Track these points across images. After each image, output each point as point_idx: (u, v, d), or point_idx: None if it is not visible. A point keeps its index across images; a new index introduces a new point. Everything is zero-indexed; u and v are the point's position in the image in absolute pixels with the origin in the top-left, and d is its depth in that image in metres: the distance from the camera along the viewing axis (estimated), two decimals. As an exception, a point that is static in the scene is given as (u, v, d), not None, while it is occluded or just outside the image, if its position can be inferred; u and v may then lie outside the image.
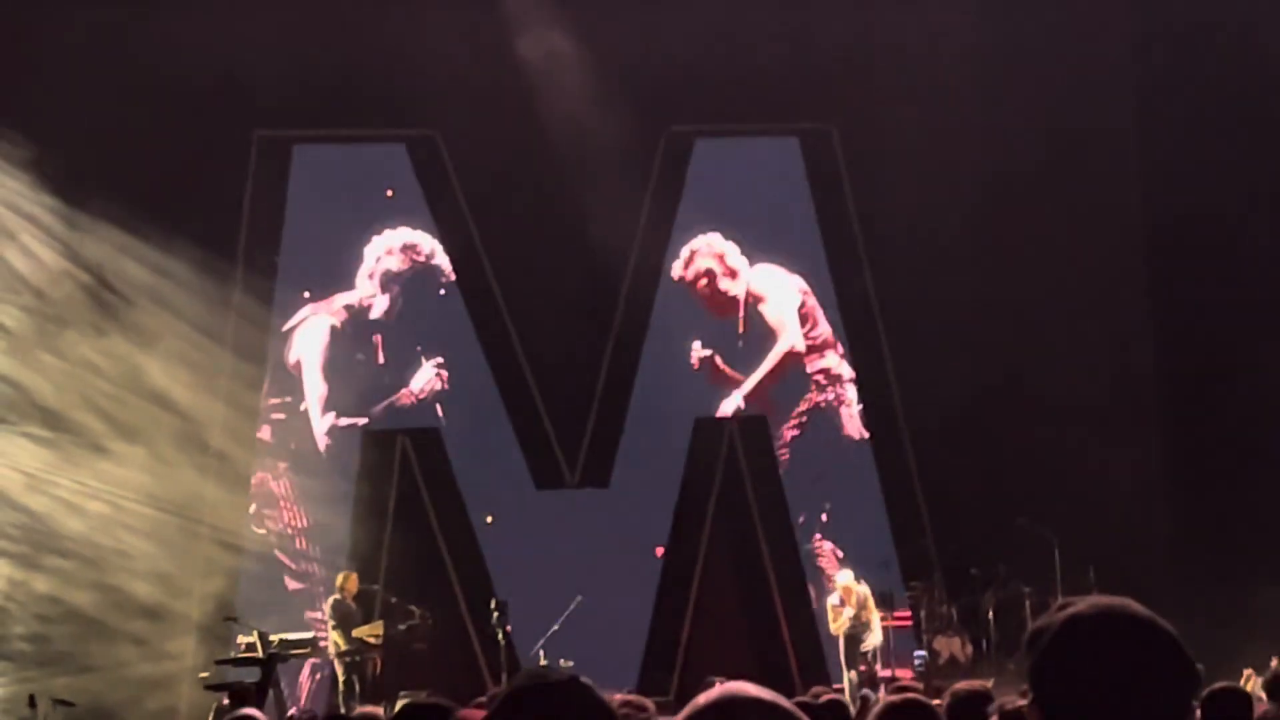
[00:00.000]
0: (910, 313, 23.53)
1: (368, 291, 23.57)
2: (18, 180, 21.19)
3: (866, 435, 24.43)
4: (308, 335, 23.36)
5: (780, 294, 24.57)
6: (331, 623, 20.68)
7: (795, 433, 24.41)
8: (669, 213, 24.09)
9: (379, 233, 23.63)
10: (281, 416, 23.11)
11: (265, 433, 23.02)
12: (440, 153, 23.54)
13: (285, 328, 23.21)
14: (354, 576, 21.08)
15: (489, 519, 23.00)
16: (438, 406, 23.51)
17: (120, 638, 20.85)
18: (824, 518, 24.01)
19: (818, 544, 23.91)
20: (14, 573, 20.93)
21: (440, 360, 23.55)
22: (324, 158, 23.81)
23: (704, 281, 24.30)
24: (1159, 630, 2.91)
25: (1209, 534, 22.23)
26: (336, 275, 23.44)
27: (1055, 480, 22.40)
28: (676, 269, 24.18)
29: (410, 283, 23.69)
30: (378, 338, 23.50)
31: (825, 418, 24.54)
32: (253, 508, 22.63)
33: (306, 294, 23.36)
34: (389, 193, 23.71)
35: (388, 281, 23.64)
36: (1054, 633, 2.92)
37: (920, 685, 12.12)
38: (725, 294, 24.40)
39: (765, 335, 24.54)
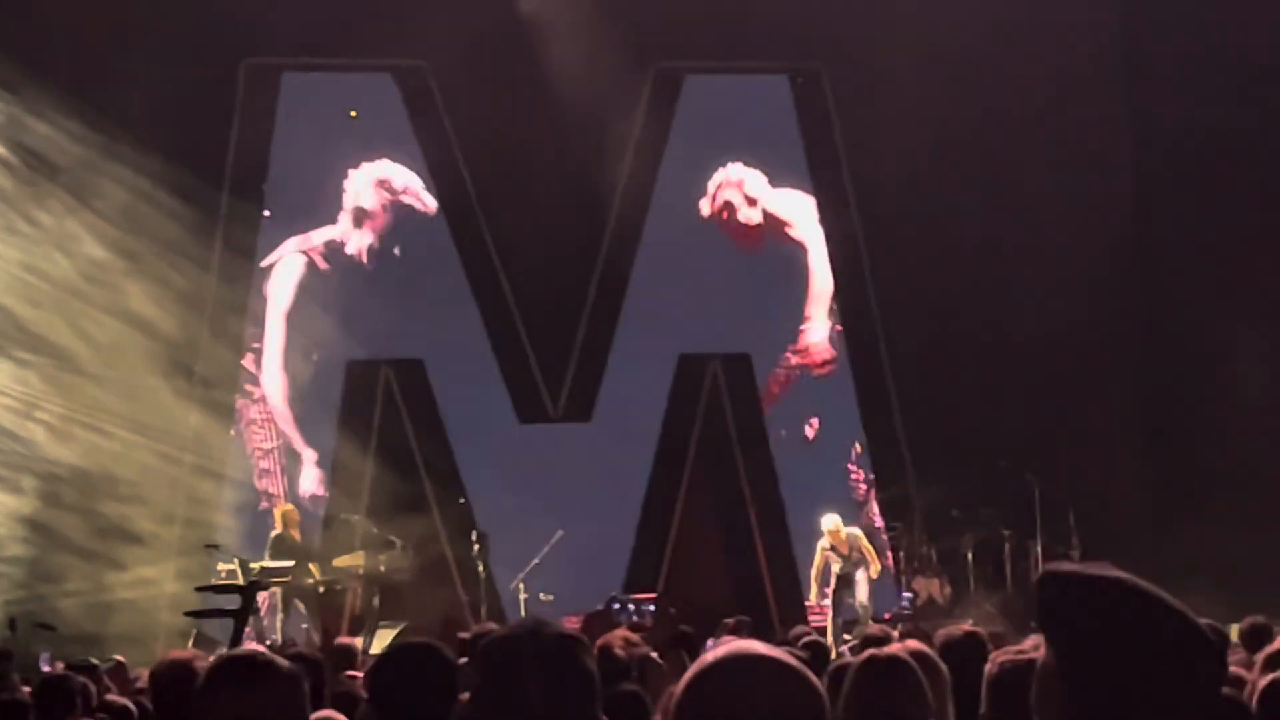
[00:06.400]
0: (897, 253, 23.52)
1: (346, 227, 23.45)
2: (5, 103, 21.11)
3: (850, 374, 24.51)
4: (283, 273, 23.25)
5: (805, 218, 24.59)
6: (267, 555, 20.05)
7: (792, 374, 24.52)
8: (657, 149, 24.01)
9: (357, 165, 23.51)
10: (259, 346, 23.07)
11: (248, 361, 22.98)
12: (429, 84, 23.44)
13: (265, 263, 23.10)
14: (292, 508, 20.95)
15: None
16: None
17: (101, 562, 20.85)
18: (857, 448, 24.17)
19: (855, 474, 24.05)
20: (-4, 496, 20.93)
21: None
22: (312, 86, 23.66)
23: (726, 214, 24.31)
24: (1166, 604, 2.93)
25: (1187, 480, 22.29)
26: (321, 205, 23.34)
27: (1038, 424, 22.52)
28: (704, 206, 24.23)
29: (392, 216, 23.57)
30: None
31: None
32: (234, 435, 22.63)
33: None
34: (352, 114, 23.53)
35: (364, 217, 23.50)
36: (1063, 591, 2.96)
37: (894, 633, 12.08)
38: (746, 224, 24.37)
39: (790, 259, 24.61)
